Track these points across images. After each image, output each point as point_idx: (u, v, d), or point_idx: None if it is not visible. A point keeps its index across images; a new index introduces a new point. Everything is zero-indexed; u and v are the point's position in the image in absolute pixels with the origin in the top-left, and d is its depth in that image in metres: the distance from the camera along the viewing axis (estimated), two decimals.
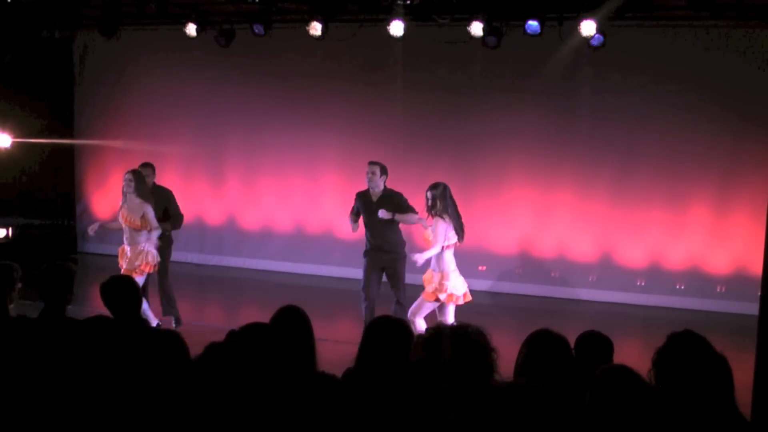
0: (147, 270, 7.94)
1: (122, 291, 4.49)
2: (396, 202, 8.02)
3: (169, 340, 4.16)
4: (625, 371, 3.00)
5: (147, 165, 8.76)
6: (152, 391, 3.22)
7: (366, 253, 8.14)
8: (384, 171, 8.09)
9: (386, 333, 3.53)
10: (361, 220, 8.19)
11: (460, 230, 7.52)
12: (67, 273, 4.70)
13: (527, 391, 2.57)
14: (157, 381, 3.28)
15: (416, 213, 7.99)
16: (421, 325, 7.37)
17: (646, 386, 2.97)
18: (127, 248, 7.99)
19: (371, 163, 8.17)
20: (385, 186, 8.09)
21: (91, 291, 9.88)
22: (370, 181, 8.02)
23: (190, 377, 3.22)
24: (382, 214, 7.87)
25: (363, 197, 8.17)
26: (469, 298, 7.57)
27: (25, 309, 4.79)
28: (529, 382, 3.01)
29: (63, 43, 12.87)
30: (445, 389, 2.42)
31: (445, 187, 7.53)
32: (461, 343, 2.47)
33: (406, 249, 8.20)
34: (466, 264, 11.42)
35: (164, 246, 8.38)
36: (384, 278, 8.15)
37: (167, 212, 8.63)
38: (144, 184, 8.11)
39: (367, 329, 3.60)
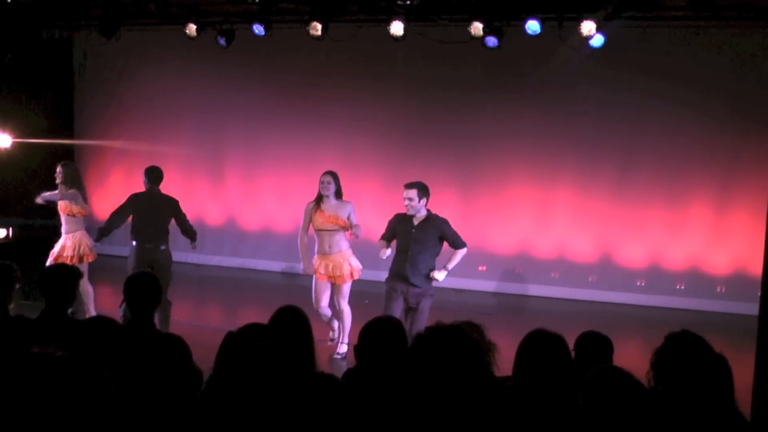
0: (90, 259, 8.35)
1: (146, 288, 4.46)
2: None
3: (171, 342, 4.16)
4: (617, 372, 3.00)
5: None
6: (152, 392, 3.22)
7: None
8: (424, 192, 7.13)
9: (382, 334, 3.55)
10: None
11: None
12: (70, 274, 4.70)
13: (523, 392, 2.57)
14: (157, 382, 3.28)
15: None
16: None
17: (639, 386, 2.97)
18: (66, 236, 8.36)
19: (407, 186, 7.16)
20: (427, 210, 7.21)
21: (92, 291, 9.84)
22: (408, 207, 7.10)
23: (191, 379, 3.22)
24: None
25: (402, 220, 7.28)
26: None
27: (25, 309, 4.79)
28: (525, 384, 3.01)
29: (63, 43, 12.87)
30: (442, 389, 2.42)
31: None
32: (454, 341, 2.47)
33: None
34: (466, 264, 11.48)
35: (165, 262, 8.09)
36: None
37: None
38: (75, 174, 8.49)
39: (363, 331, 3.61)
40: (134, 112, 12.99)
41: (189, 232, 8.25)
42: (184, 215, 8.27)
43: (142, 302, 4.36)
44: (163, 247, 8.04)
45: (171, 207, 8.20)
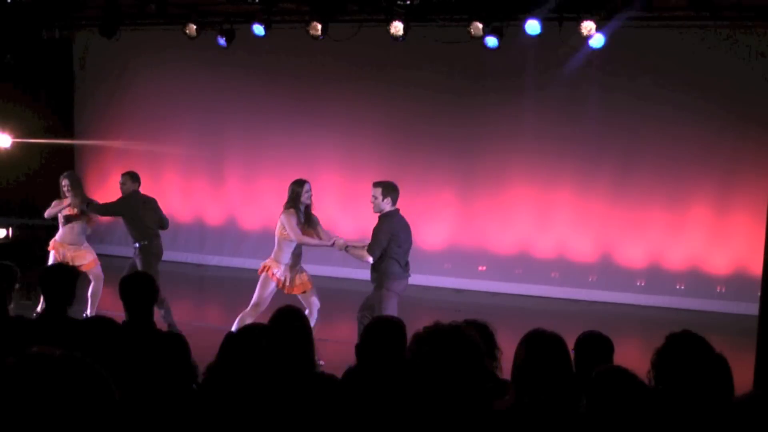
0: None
1: (140, 287, 4.49)
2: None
3: (171, 341, 4.16)
4: (621, 372, 3.00)
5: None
6: (152, 392, 3.21)
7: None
8: (388, 191, 7.15)
9: (383, 333, 3.57)
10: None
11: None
12: (70, 274, 4.70)
13: (524, 410, 2.56)
14: (158, 382, 3.28)
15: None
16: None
17: (642, 386, 2.97)
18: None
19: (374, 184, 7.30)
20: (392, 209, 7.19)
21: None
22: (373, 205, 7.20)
23: (191, 379, 3.22)
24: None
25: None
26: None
27: (25, 309, 4.79)
28: (524, 402, 2.99)
29: (63, 43, 12.86)
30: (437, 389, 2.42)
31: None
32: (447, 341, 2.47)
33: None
34: (466, 264, 11.52)
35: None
36: None
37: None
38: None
39: (365, 330, 3.63)
40: (134, 112, 12.99)
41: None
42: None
43: (138, 302, 4.38)
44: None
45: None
